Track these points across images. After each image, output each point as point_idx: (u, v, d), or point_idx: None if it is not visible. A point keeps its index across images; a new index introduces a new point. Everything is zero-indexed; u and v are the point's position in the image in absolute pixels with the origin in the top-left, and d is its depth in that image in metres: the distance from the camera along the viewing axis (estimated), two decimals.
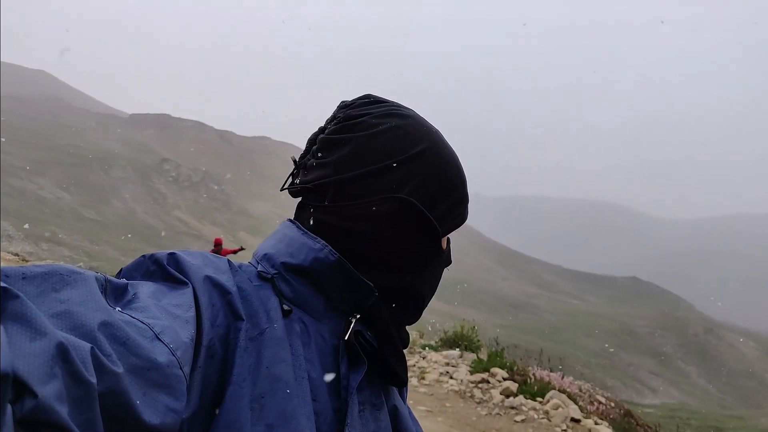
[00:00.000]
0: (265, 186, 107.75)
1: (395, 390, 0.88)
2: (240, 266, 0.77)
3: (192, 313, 0.63)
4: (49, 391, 0.40)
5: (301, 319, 0.75)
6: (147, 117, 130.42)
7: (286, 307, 0.74)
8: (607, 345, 66.85)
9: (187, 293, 0.65)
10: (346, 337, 0.76)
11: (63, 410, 0.41)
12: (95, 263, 31.29)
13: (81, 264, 22.94)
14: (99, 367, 0.46)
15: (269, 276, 0.76)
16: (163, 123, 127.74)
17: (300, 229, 0.81)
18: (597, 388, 12.90)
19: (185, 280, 0.67)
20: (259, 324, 0.70)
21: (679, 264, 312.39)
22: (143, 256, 0.71)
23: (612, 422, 9.26)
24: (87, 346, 0.46)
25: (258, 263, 0.80)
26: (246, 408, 0.64)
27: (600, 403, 10.47)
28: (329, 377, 0.74)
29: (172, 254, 0.70)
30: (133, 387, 0.50)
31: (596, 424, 7.74)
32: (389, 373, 0.80)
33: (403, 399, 0.93)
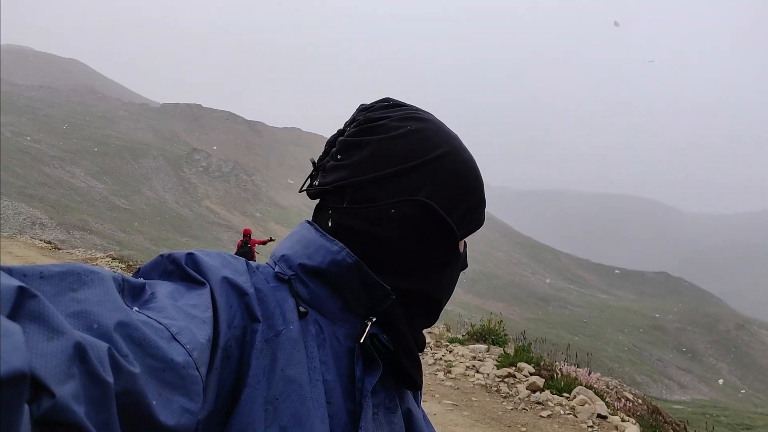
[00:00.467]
0: (295, 177, 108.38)
1: (409, 393, 0.88)
2: (257, 267, 0.77)
3: (209, 313, 0.63)
4: (67, 390, 0.40)
5: (317, 321, 0.75)
6: (178, 107, 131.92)
7: (302, 309, 0.73)
8: (636, 340, 65.95)
9: (204, 294, 0.65)
10: (362, 340, 0.76)
11: (80, 410, 0.41)
12: (126, 252, 31.94)
13: (112, 253, 23.45)
14: (116, 368, 0.46)
15: (286, 277, 0.77)
16: (194, 113, 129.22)
17: (318, 230, 0.81)
18: (624, 385, 12.76)
19: (203, 280, 0.67)
20: (275, 325, 0.69)
21: (710, 260, 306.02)
22: (161, 255, 0.71)
23: (639, 419, 9.14)
24: (104, 345, 0.46)
25: (275, 264, 0.80)
26: (260, 410, 0.64)
27: (627, 399, 10.38)
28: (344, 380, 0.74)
29: (190, 254, 0.70)
30: (150, 387, 0.50)
31: (623, 421, 7.66)
32: (404, 377, 0.80)
33: (417, 402, 0.93)
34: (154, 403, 0.50)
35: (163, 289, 0.63)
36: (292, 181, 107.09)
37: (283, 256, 0.80)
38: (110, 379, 0.44)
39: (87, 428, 0.41)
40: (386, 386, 0.80)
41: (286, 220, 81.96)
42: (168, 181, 77.92)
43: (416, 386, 0.83)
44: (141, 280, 0.63)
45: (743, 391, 57.90)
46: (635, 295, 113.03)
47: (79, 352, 0.42)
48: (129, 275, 0.62)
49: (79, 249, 24.62)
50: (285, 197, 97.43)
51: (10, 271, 0.46)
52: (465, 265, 0.90)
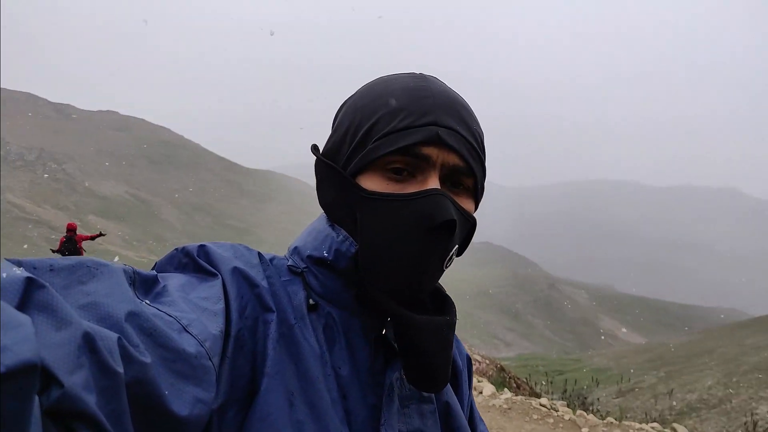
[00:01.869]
0: (116, 164, 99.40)
1: (449, 386, 0.85)
2: (272, 260, 0.76)
3: (221, 305, 0.63)
4: (76, 380, 0.40)
5: (331, 313, 0.73)
6: None
7: (312, 302, 0.72)
8: (466, 306, 71.32)
9: (216, 285, 0.65)
10: (383, 332, 0.74)
11: (90, 399, 0.41)
12: None
13: None
14: (126, 357, 0.46)
15: (299, 270, 0.75)
16: None
17: (328, 221, 0.78)
18: (474, 349, 13.65)
19: (215, 271, 0.67)
20: (287, 319, 0.69)
21: (527, 228, 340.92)
22: (176, 249, 0.71)
23: (490, 378, 9.91)
24: (114, 336, 0.46)
25: (289, 257, 0.79)
26: (281, 400, 0.63)
27: (478, 362, 11.14)
28: (362, 373, 0.72)
29: (202, 246, 0.71)
30: (161, 378, 0.49)
31: (479, 381, 8.18)
32: (421, 370, 0.72)
33: (463, 396, 0.90)
34: (167, 393, 0.49)
35: (174, 281, 0.63)
36: (113, 169, 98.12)
37: (295, 248, 0.79)
38: (120, 369, 0.44)
39: (97, 417, 0.41)
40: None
41: (109, 211, 75.21)
42: None
43: (433, 380, 0.73)
44: (153, 272, 0.63)
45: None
46: (463, 266, 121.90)
47: (88, 342, 0.42)
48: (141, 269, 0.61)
49: None
50: (105, 186, 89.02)
51: (20, 264, 0.46)
52: (417, 215, 0.70)
